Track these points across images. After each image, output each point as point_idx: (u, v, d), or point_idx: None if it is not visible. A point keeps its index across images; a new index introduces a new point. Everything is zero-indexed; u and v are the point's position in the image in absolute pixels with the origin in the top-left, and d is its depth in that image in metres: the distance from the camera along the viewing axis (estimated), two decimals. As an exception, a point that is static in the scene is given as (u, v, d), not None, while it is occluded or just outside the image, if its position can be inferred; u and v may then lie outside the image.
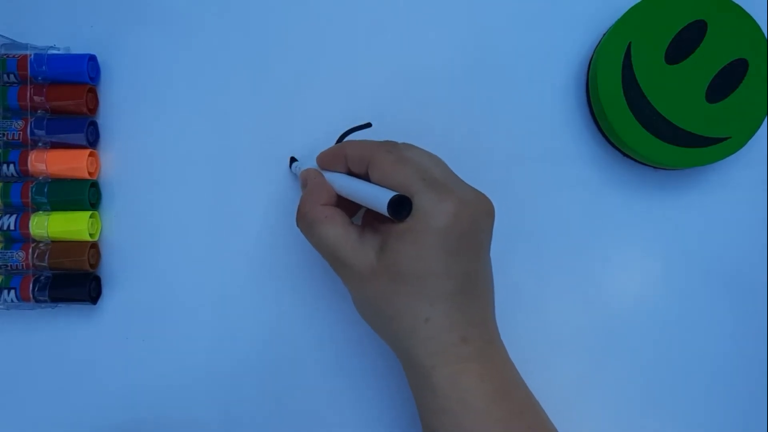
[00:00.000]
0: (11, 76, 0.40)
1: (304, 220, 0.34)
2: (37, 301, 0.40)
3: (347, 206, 0.35)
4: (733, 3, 0.37)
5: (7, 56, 0.40)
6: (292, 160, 0.40)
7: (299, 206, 0.34)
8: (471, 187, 0.32)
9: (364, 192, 0.32)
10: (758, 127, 0.37)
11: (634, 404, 0.40)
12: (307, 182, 0.36)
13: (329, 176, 0.35)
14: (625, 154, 0.40)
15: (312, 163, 0.38)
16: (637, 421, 0.40)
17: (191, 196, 0.41)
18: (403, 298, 0.31)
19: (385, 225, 0.32)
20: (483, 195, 0.32)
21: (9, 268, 0.40)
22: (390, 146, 0.33)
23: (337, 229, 0.32)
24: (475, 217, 0.31)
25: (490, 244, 0.33)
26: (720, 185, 0.40)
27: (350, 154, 0.34)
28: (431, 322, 0.31)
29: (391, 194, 0.30)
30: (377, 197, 0.30)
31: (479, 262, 0.32)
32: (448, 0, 0.41)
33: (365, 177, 0.33)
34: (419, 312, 0.31)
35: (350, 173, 0.35)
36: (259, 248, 0.41)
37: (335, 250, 0.32)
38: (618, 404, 0.40)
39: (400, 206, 0.30)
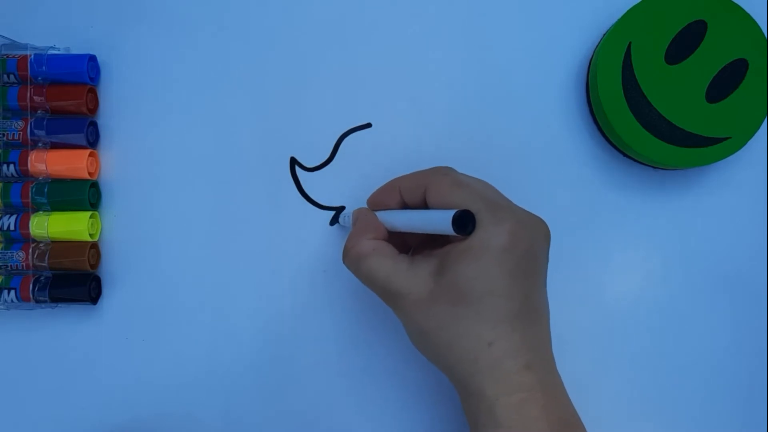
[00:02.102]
0: (11, 76, 0.40)
1: (348, 256, 0.33)
2: (37, 301, 0.40)
3: (398, 246, 0.34)
4: (733, 3, 0.37)
5: (7, 56, 0.40)
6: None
7: (346, 242, 0.34)
8: (525, 210, 0.32)
9: (425, 217, 0.31)
10: (758, 127, 0.37)
11: (634, 404, 0.40)
12: (357, 220, 0.36)
13: (384, 215, 0.35)
14: (625, 154, 0.40)
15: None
16: (637, 421, 0.40)
17: (191, 195, 0.41)
18: (463, 321, 0.30)
19: (440, 249, 0.31)
20: (539, 218, 0.32)
21: (9, 268, 0.40)
22: (445, 170, 0.33)
23: (386, 260, 0.32)
24: (534, 238, 0.31)
25: (547, 268, 0.32)
26: (720, 185, 0.40)
27: (404, 186, 0.34)
28: (494, 347, 0.30)
29: (454, 211, 0.29)
30: (440, 217, 0.30)
31: (537, 284, 0.32)
32: (448, 0, 0.41)
33: (421, 207, 0.33)
34: (482, 335, 0.30)
35: (405, 207, 0.35)
36: (259, 248, 0.41)
37: (386, 282, 0.32)
38: (618, 404, 0.40)
39: (465, 222, 0.30)
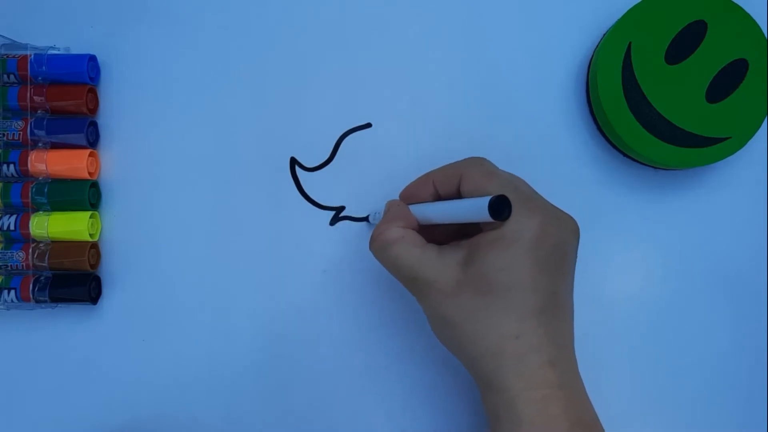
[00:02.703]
0: (11, 76, 0.40)
1: (376, 242, 0.33)
2: (37, 301, 0.40)
3: (427, 240, 0.33)
4: (733, 3, 0.37)
5: (7, 56, 0.40)
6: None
7: (373, 230, 0.34)
8: (555, 205, 0.32)
9: (460, 206, 0.31)
10: (758, 127, 0.37)
11: (634, 404, 0.40)
12: (389, 210, 0.35)
13: (419, 208, 0.34)
14: (625, 155, 0.40)
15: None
16: (636, 421, 0.40)
17: (191, 195, 0.41)
18: (490, 312, 0.30)
19: (469, 239, 0.31)
20: (568, 215, 0.32)
21: (9, 268, 0.40)
22: (479, 160, 0.33)
23: (414, 249, 0.32)
24: (563, 233, 0.31)
25: (575, 265, 0.32)
26: (720, 185, 0.40)
27: (438, 177, 0.34)
28: (520, 340, 0.29)
29: (490, 197, 0.29)
30: (476, 204, 0.29)
31: (565, 280, 0.31)
32: (448, 0, 0.41)
33: (455, 198, 0.33)
34: (508, 328, 0.29)
35: (438, 199, 0.34)
36: (259, 248, 0.41)
37: (412, 270, 0.31)
38: (617, 404, 0.40)
39: (501, 207, 0.29)
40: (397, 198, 0.37)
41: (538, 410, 0.29)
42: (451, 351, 0.32)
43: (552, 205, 0.32)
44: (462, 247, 0.31)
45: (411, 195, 0.36)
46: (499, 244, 0.29)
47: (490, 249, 0.30)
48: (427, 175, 0.35)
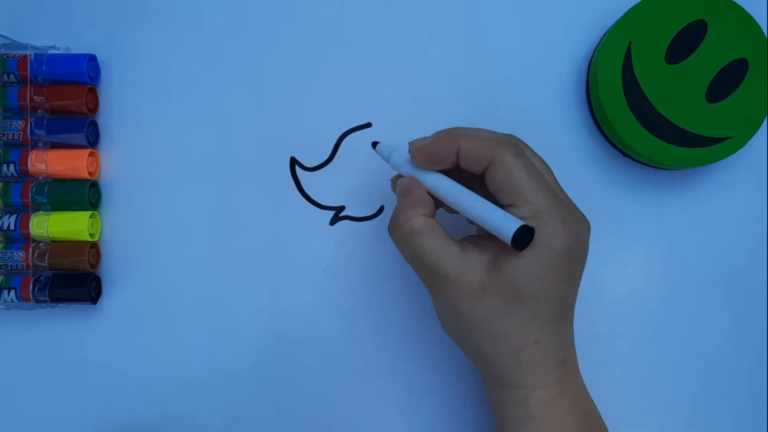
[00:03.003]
0: (11, 76, 0.40)
1: (401, 230, 0.31)
2: (37, 301, 0.40)
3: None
4: (734, 3, 0.37)
5: (7, 56, 0.40)
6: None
7: (396, 215, 0.32)
8: (574, 204, 0.31)
9: (487, 214, 0.29)
10: (758, 127, 0.37)
11: (633, 403, 0.40)
12: (409, 192, 0.32)
13: (434, 181, 0.32)
14: (625, 154, 0.40)
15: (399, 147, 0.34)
16: (636, 421, 0.40)
17: (191, 195, 0.41)
18: (514, 318, 0.29)
19: (496, 241, 0.30)
20: (584, 215, 0.31)
21: (9, 268, 0.40)
22: (515, 147, 0.30)
23: (440, 242, 0.30)
24: (587, 239, 0.31)
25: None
26: (720, 185, 0.40)
27: (466, 149, 0.30)
28: (539, 345, 0.30)
29: (516, 224, 0.28)
30: (502, 225, 0.28)
31: (578, 284, 0.31)
32: (448, 0, 0.41)
33: (475, 175, 0.31)
34: (530, 334, 0.29)
35: (456, 169, 0.31)
36: (259, 248, 0.41)
37: (435, 264, 0.30)
38: (617, 403, 0.40)
39: (524, 236, 0.28)
40: (407, 147, 0.33)
41: (548, 406, 0.30)
42: (459, 346, 0.32)
43: (573, 204, 0.31)
44: (488, 248, 0.30)
45: (429, 158, 0.32)
46: (531, 253, 0.29)
47: (522, 257, 0.29)
48: (454, 136, 0.31)
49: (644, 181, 0.40)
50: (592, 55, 0.39)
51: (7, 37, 0.40)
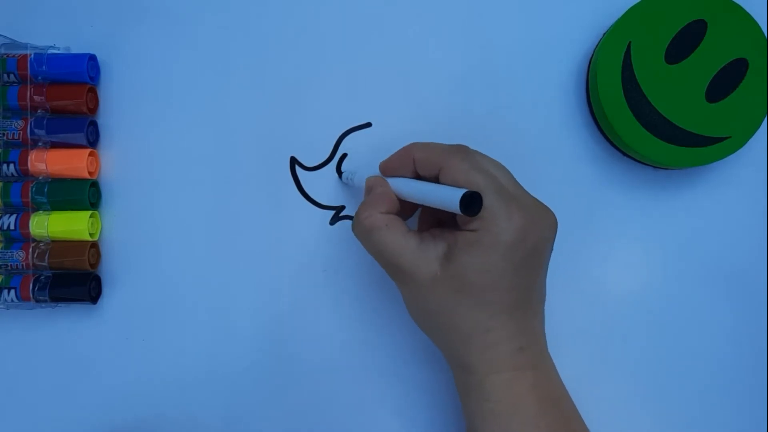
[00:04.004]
0: (11, 75, 0.40)
1: (361, 226, 0.33)
2: (37, 300, 0.40)
3: (403, 210, 0.35)
4: (733, 3, 0.37)
5: (7, 56, 0.40)
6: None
7: (357, 212, 0.34)
8: (535, 198, 0.33)
9: (435, 191, 0.31)
10: (758, 126, 0.37)
11: (633, 403, 0.40)
12: (372, 190, 0.35)
13: (395, 182, 0.35)
14: (625, 154, 0.40)
15: (367, 173, 0.37)
16: (635, 420, 0.40)
17: (191, 195, 0.41)
18: (464, 308, 0.31)
19: (449, 233, 0.32)
20: (547, 208, 0.33)
21: (9, 267, 0.40)
22: (463, 153, 0.32)
23: (397, 237, 0.32)
24: (542, 233, 0.31)
25: (550, 256, 0.33)
26: (720, 185, 0.40)
27: (419, 158, 0.33)
28: (491, 333, 0.31)
29: (463, 190, 0.29)
30: (448, 195, 0.30)
31: (539, 275, 0.32)
32: (448, 0, 0.41)
33: (433, 180, 0.33)
34: (480, 323, 0.31)
35: (417, 177, 0.34)
36: (259, 248, 0.41)
37: (394, 258, 0.32)
38: (616, 403, 0.40)
39: (472, 203, 0.29)
40: (377, 169, 0.37)
41: (504, 389, 0.31)
42: (425, 332, 0.34)
43: (533, 199, 0.32)
44: (442, 240, 0.32)
45: (390, 169, 0.35)
46: (478, 247, 0.30)
47: (469, 250, 0.30)
48: (409, 150, 0.34)
49: (644, 180, 0.40)
50: (592, 55, 0.39)
51: (7, 37, 0.40)
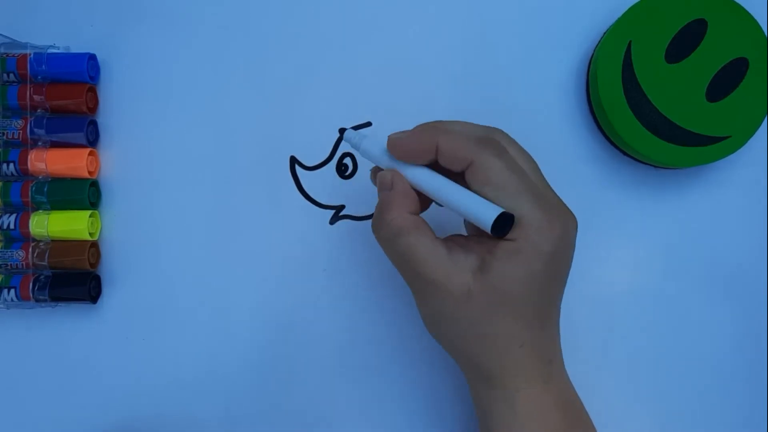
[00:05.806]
0: (11, 75, 0.40)
1: (387, 229, 0.30)
2: (37, 300, 0.40)
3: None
4: (734, 2, 0.37)
5: (7, 55, 0.40)
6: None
7: (381, 212, 0.30)
8: (558, 197, 0.31)
9: (465, 202, 0.29)
10: (758, 126, 0.37)
11: (632, 403, 0.40)
12: (393, 187, 0.30)
13: (415, 174, 0.30)
14: (625, 153, 0.40)
15: (378, 144, 0.32)
16: (635, 420, 0.40)
17: (191, 195, 0.41)
18: (500, 320, 0.29)
19: (476, 242, 0.30)
20: (569, 210, 0.30)
21: (9, 267, 0.40)
22: (495, 147, 0.29)
23: (426, 242, 0.29)
24: (572, 239, 0.30)
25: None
26: (720, 184, 0.40)
27: (445, 149, 0.29)
28: (525, 347, 0.29)
29: (496, 211, 0.27)
30: (481, 212, 0.28)
31: (565, 282, 0.31)
32: (448, 0, 0.41)
33: (456, 174, 0.30)
34: (516, 337, 0.29)
35: (435, 166, 0.30)
36: (259, 247, 0.41)
37: (421, 266, 0.29)
38: (616, 403, 0.40)
39: (504, 225, 0.28)
40: (378, 137, 0.32)
41: (533, 404, 0.30)
42: (444, 347, 0.32)
43: (558, 199, 0.31)
44: (474, 251, 0.30)
45: (405, 151, 0.30)
46: (518, 256, 0.28)
47: (508, 261, 0.28)
48: (432, 134, 0.30)
49: (644, 180, 0.40)
50: (592, 55, 0.39)
51: (6, 36, 0.40)
